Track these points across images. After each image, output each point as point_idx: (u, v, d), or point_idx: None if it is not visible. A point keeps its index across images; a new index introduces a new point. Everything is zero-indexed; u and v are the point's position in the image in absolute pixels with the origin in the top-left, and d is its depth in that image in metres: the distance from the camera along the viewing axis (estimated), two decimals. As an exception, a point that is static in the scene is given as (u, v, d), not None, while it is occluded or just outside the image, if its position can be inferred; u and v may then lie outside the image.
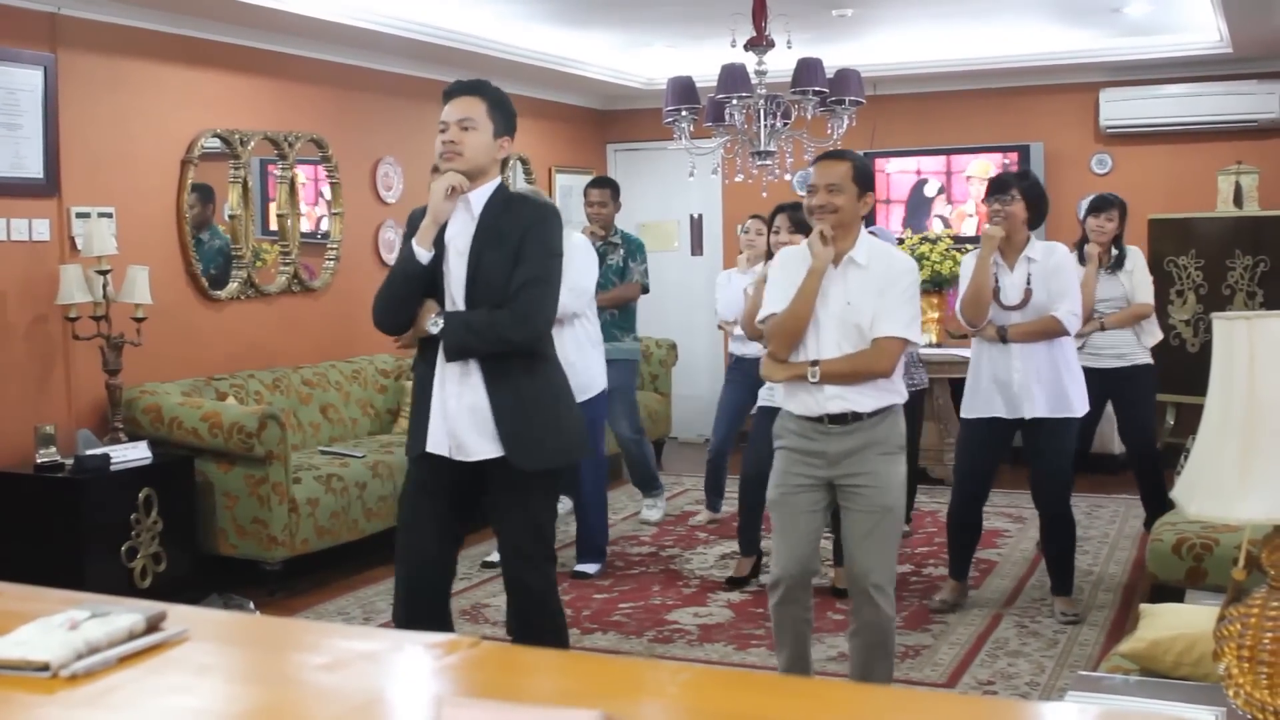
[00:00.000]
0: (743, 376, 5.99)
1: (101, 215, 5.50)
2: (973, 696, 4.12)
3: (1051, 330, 4.78)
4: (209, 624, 1.43)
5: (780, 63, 5.76)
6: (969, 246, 6.14)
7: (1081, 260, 5.74)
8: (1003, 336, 4.82)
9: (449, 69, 7.05)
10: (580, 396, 5.43)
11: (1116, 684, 2.52)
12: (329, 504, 5.63)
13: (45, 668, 1.21)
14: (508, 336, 3.43)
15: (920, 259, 8.19)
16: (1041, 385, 4.81)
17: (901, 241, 8.30)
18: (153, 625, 1.32)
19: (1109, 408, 5.89)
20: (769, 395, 5.10)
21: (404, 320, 3.54)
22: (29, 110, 5.22)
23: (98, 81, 5.55)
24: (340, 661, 1.29)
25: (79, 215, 5.43)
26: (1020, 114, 8.52)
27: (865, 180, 3.77)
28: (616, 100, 9.40)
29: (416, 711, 1.17)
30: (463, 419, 3.47)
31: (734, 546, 5.87)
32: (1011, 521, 6.60)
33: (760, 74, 5.60)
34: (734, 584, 5.55)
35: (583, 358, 5.50)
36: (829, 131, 5.72)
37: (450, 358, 3.46)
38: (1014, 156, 8.37)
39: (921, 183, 8.70)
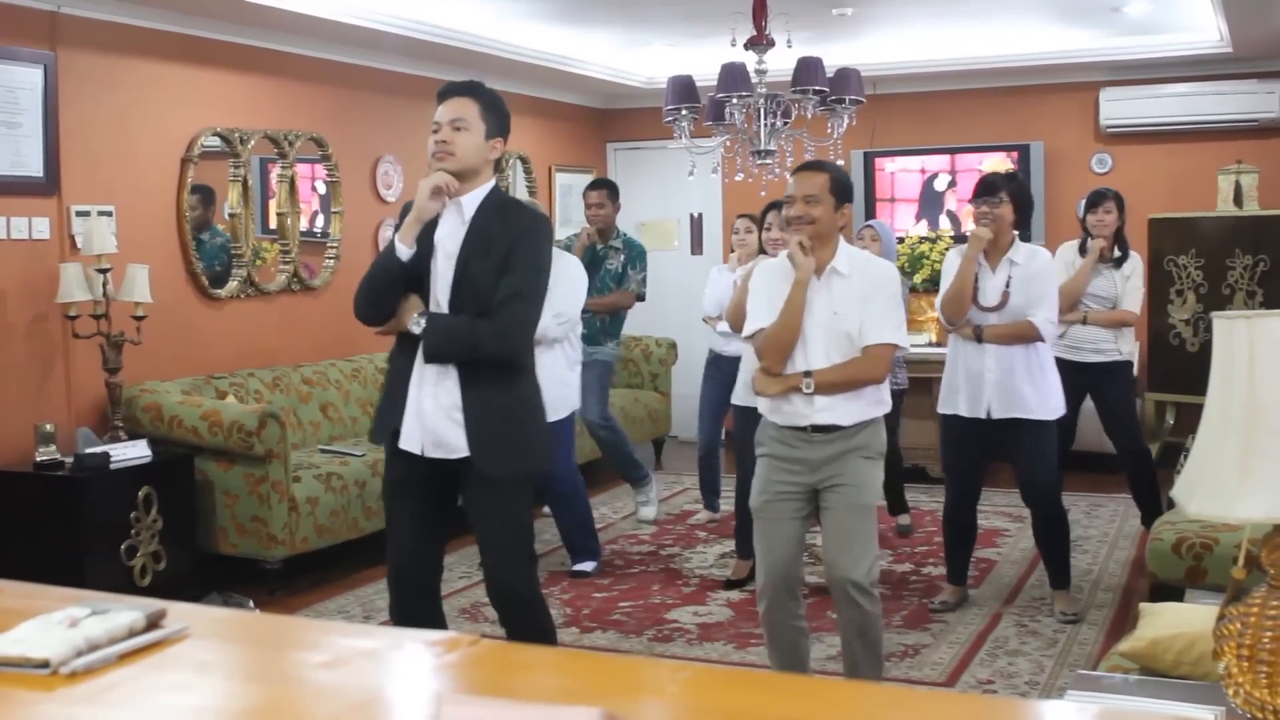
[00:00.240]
0: (720, 373, 6.00)
1: (101, 214, 5.50)
2: (972, 695, 4.12)
3: (1026, 335, 4.79)
4: (209, 622, 1.43)
5: (780, 62, 5.76)
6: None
7: (1083, 252, 5.78)
8: (978, 336, 4.84)
9: (449, 68, 7.05)
10: (553, 415, 5.42)
11: (1116, 683, 2.52)
12: (329, 503, 5.63)
13: (45, 665, 1.22)
14: (485, 349, 3.44)
15: (920, 258, 8.21)
16: (1014, 387, 4.81)
17: (902, 240, 8.31)
18: (152, 623, 1.32)
19: (1089, 404, 5.92)
20: (745, 395, 5.12)
21: (383, 313, 3.56)
22: (29, 109, 5.21)
23: (98, 80, 5.55)
24: (340, 659, 1.29)
25: (79, 214, 5.43)
26: (1020, 113, 8.52)
27: (843, 192, 3.80)
28: (616, 99, 9.40)
29: (416, 709, 1.17)
30: (439, 417, 3.48)
31: (733, 546, 5.87)
32: (1011, 521, 6.60)
33: (760, 73, 5.60)
34: (732, 586, 5.55)
35: (560, 378, 5.48)
36: (829, 131, 5.72)
37: (428, 360, 3.48)
38: (1014, 156, 8.37)
39: (931, 178, 8.71)
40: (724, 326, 5.74)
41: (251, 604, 5.28)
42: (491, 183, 3.58)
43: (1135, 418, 6.00)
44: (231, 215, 6.29)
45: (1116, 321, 5.76)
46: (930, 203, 8.70)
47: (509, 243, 3.46)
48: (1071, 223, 7.91)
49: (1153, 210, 7.71)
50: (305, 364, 6.56)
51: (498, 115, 3.56)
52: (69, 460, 5.07)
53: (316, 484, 5.60)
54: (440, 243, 3.51)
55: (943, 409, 5.03)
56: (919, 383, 7.16)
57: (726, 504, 6.60)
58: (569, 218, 8.77)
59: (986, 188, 4.92)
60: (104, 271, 5.25)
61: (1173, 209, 7.82)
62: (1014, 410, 4.82)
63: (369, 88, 7.17)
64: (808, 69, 5.50)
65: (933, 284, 7.97)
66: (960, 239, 8.18)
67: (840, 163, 5.79)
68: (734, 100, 5.52)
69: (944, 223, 8.63)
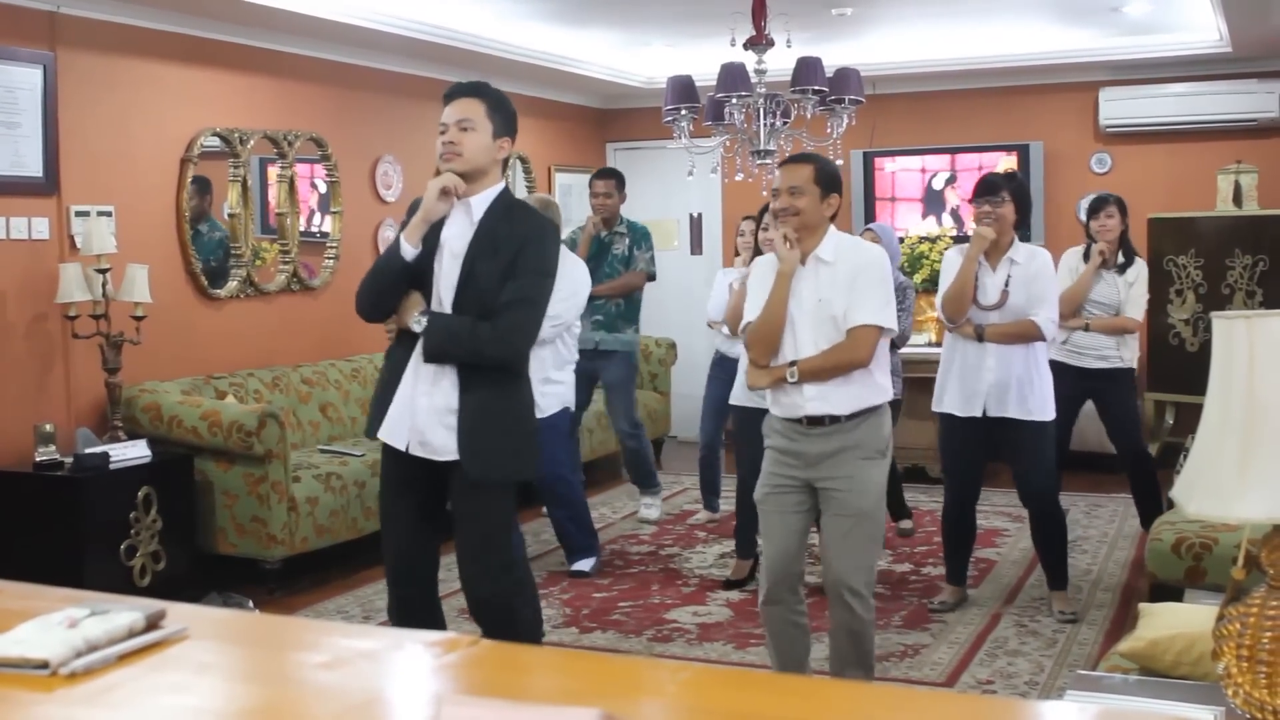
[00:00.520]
0: (724, 374, 6.00)
1: (101, 214, 5.49)
2: (972, 695, 4.12)
3: (1028, 334, 4.80)
4: (208, 622, 1.43)
5: (780, 62, 5.76)
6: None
7: (1088, 257, 5.77)
8: (979, 335, 4.84)
9: (448, 68, 7.05)
10: (554, 407, 5.44)
11: (1115, 683, 2.52)
12: (328, 503, 5.63)
13: (44, 665, 1.21)
14: (487, 352, 3.44)
15: (920, 258, 8.20)
16: (1012, 387, 4.82)
17: (902, 240, 8.31)
18: (152, 623, 1.32)
19: (1089, 409, 5.91)
20: (743, 395, 5.14)
21: (385, 310, 3.57)
22: (28, 109, 5.21)
23: (97, 80, 5.55)
24: (339, 660, 1.29)
25: (78, 214, 5.43)
26: (1020, 113, 8.52)
27: (829, 182, 3.78)
28: (616, 99, 9.40)
29: (416, 710, 1.17)
30: (430, 418, 3.49)
31: (733, 546, 5.87)
32: (1010, 521, 6.59)
33: (760, 73, 5.60)
34: (731, 586, 5.55)
35: (549, 379, 5.47)
36: (828, 130, 5.72)
37: (428, 359, 3.48)
38: (1014, 156, 8.37)
39: (931, 178, 8.72)
40: (727, 330, 5.75)
41: (251, 604, 5.28)
42: (501, 184, 3.58)
43: (1137, 422, 5.99)
44: (231, 215, 6.29)
45: (1118, 329, 5.74)
46: (933, 201, 8.71)
47: (516, 246, 3.46)
48: (1071, 222, 7.92)
49: (1152, 210, 7.71)
50: (305, 364, 6.56)
51: (504, 115, 3.56)
52: (68, 460, 5.07)
53: (316, 484, 5.60)
54: (447, 242, 3.51)
55: (937, 408, 5.03)
56: (919, 382, 7.15)
57: (727, 504, 6.60)
58: (569, 217, 8.74)
59: (988, 187, 4.92)
60: (103, 272, 5.25)
61: (1172, 209, 7.82)
62: (1011, 410, 4.83)
63: (368, 88, 7.17)
64: (807, 69, 5.50)
65: (933, 284, 7.97)
66: (961, 238, 8.19)
67: (839, 162, 5.80)
68: (733, 100, 5.52)
69: (947, 221, 8.64)
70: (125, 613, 1.30)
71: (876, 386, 3.77)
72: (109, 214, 5.57)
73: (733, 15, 5.65)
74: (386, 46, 6.91)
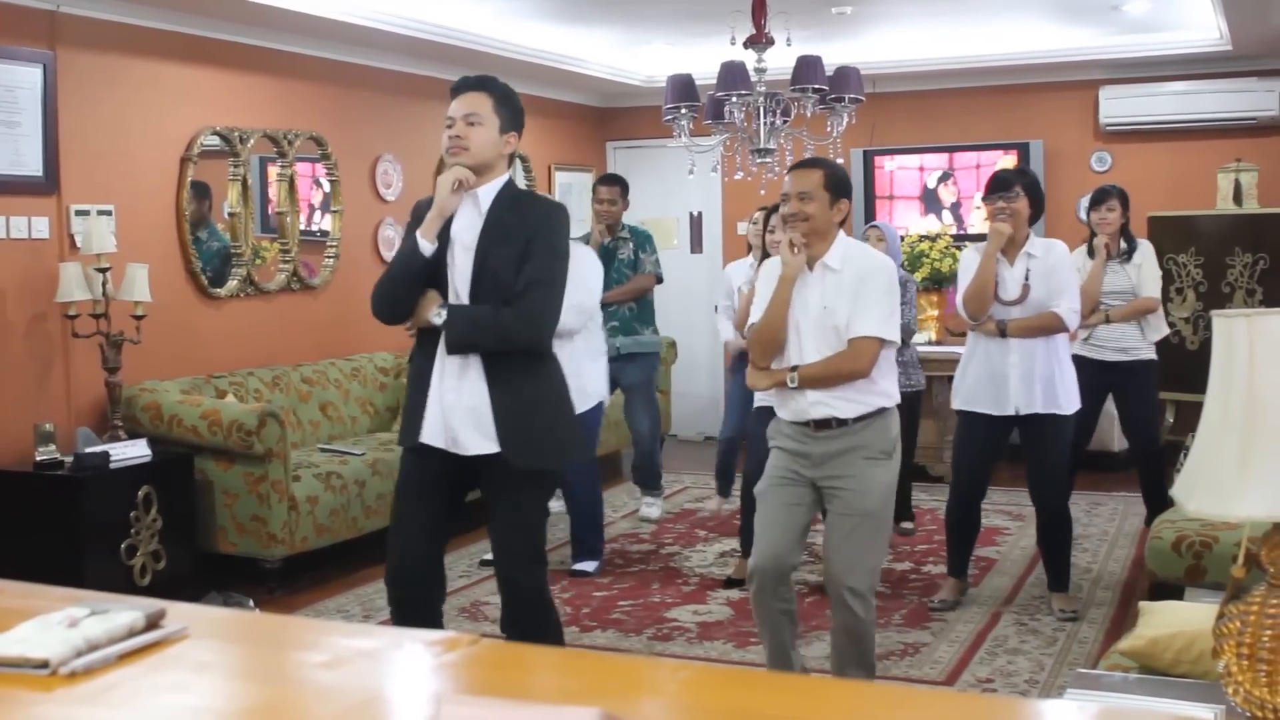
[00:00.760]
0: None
1: (101, 213, 5.49)
2: (972, 694, 4.13)
3: (1051, 326, 4.80)
4: (208, 622, 1.43)
5: (780, 60, 5.76)
6: (966, 244, 6.14)
7: (1091, 254, 5.75)
8: (1002, 330, 4.84)
9: (449, 67, 7.05)
10: (589, 403, 5.49)
11: (1116, 682, 2.52)
12: (328, 502, 5.63)
13: (44, 665, 1.21)
14: (512, 336, 3.43)
15: (920, 256, 8.20)
16: (1037, 381, 4.82)
17: (903, 238, 8.31)
18: (152, 623, 1.32)
19: (1109, 404, 5.90)
20: (759, 395, 5.13)
21: (403, 311, 3.55)
22: (28, 108, 5.21)
23: (97, 79, 5.55)
24: (340, 659, 1.29)
25: (78, 213, 5.43)
26: (1020, 112, 8.52)
27: (839, 187, 3.78)
28: (616, 98, 9.40)
29: (416, 709, 1.17)
30: (460, 414, 3.47)
31: (734, 544, 5.87)
32: (1011, 519, 6.60)
33: (760, 71, 5.60)
34: (732, 585, 5.54)
35: (583, 370, 5.51)
36: (828, 129, 5.72)
37: (451, 351, 3.46)
38: (1014, 154, 8.37)
39: (930, 176, 8.72)
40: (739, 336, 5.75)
41: (251, 603, 5.28)
42: (506, 176, 3.58)
43: (1154, 419, 5.96)
44: (231, 214, 6.29)
45: (1139, 311, 5.71)
46: (932, 199, 8.72)
47: (528, 231, 3.46)
48: (1071, 221, 7.92)
49: (1152, 208, 7.71)
50: (305, 363, 6.56)
51: (511, 110, 3.56)
52: (68, 460, 5.07)
53: (316, 483, 5.60)
54: (457, 235, 3.50)
55: (963, 406, 5.00)
56: (919, 381, 7.15)
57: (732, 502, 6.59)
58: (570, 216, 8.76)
59: (1001, 183, 4.92)
60: (103, 271, 5.25)
61: (1172, 207, 7.82)
62: (1039, 405, 4.82)
63: (368, 87, 7.16)
64: (807, 67, 5.50)
65: (933, 283, 7.97)
66: (961, 236, 8.20)
67: (839, 161, 5.80)
68: (733, 99, 5.52)
69: (946, 218, 8.64)
70: (125, 612, 1.30)
71: (881, 392, 3.77)
72: (109, 213, 5.56)
73: (733, 14, 5.65)
74: (386, 45, 6.91)
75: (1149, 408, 5.89)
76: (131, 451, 5.19)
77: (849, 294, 3.70)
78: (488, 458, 3.48)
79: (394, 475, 5.79)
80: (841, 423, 3.72)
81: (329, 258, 6.90)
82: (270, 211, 6.65)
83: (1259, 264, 7.40)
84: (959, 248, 7.36)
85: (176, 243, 5.97)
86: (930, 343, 7.75)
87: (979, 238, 6.02)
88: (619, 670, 1.38)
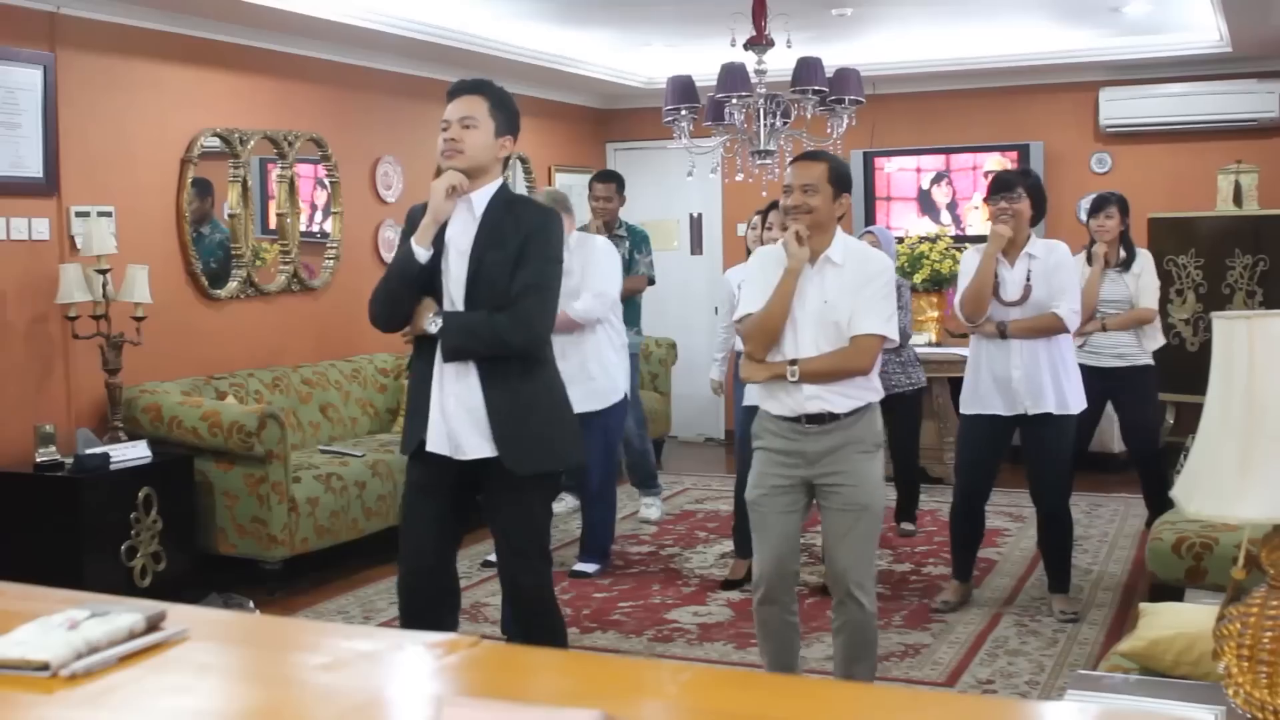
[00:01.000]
0: None
1: (101, 214, 5.49)
2: (972, 695, 4.13)
3: (1052, 327, 4.80)
4: (209, 623, 1.43)
5: (780, 62, 5.76)
6: (966, 245, 6.15)
7: (1090, 261, 5.74)
8: (1002, 332, 4.84)
9: (448, 68, 7.05)
10: (607, 401, 5.52)
11: (1116, 683, 2.52)
12: (329, 503, 5.63)
13: (45, 667, 1.21)
14: (507, 341, 3.44)
15: (920, 258, 8.21)
16: (1040, 382, 4.82)
17: (901, 241, 8.31)
18: (152, 625, 1.32)
19: (1109, 408, 5.89)
20: (750, 394, 5.13)
21: (400, 318, 3.55)
22: (28, 109, 5.21)
23: (97, 81, 5.55)
24: (340, 661, 1.29)
25: (78, 214, 5.43)
26: (1020, 113, 8.52)
27: (841, 181, 3.78)
28: (616, 99, 9.40)
29: (416, 711, 1.17)
30: (461, 418, 3.48)
31: (733, 546, 5.86)
32: (1012, 520, 6.60)
33: (760, 73, 5.60)
34: (730, 586, 5.54)
35: (608, 362, 5.55)
36: (829, 131, 5.72)
37: (448, 358, 3.46)
38: (1013, 156, 8.37)
39: (928, 177, 8.73)
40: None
41: (251, 605, 5.28)
42: (500, 180, 3.58)
43: (1156, 424, 5.97)
44: (231, 216, 6.29)
45: (1136, 321, 5.72)
46: (926, 200, 8.72)
47: (522, 236, 3.46)
48: (1071, 223, 7.92)
49: (1152, 210, 7.71)
50: (305, 364, 6.56)
51: (507, 113, 3.56)
52: (69, 461, 5.07)
53: (316, 484, 5.60)
54: (452, 241, 3.50)
55: (970, 409, 5.00)
56: (919, 382, 7.15)
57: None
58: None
59: (1003, 184, 4.91)
60: (104, 272, 5.25)
61: (1172, 209, 7.82)
62: (1047, 404, 4.83)
63: (368, 88, 7.17)
64: (807, 69, 5.50)
65: (933, 284, 7.97)
66: (961, 238, 8.20)
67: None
68: (734, 100, 5.52)
69: (945, 218, 8.64)
70: (126, 614, 1.30)
71: (871, 387, 3.80)
72: (109, 214, 5.57)
73: (733, 15, 5.65)
74: (386, 47, 6.91)
75: (1148, 413, 5.89)
76: (132, 453, 5.19)
77: (850, 290, 3.70)
78: (488, 460, 3.49)
79: (394, 477, 5.85)
80: (834, 417, 3.73)
81: (329, 259, 6.90)
82: (271, 212, 6.65)
83: (1259, 265, 7.40)
84: (959, 249, 7.36)
85: (177, 244, 5.97)
86: (930, 344, 7.75)
87: (979, 239, 6.02)
88: (620, 672, 1.38)
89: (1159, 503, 5.87)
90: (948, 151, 8.65)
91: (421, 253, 3.46)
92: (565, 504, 6.64)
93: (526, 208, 3.60)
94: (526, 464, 3.50)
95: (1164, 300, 7.55)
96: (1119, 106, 8.12)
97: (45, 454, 5.05)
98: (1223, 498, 2.01)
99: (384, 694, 1.25)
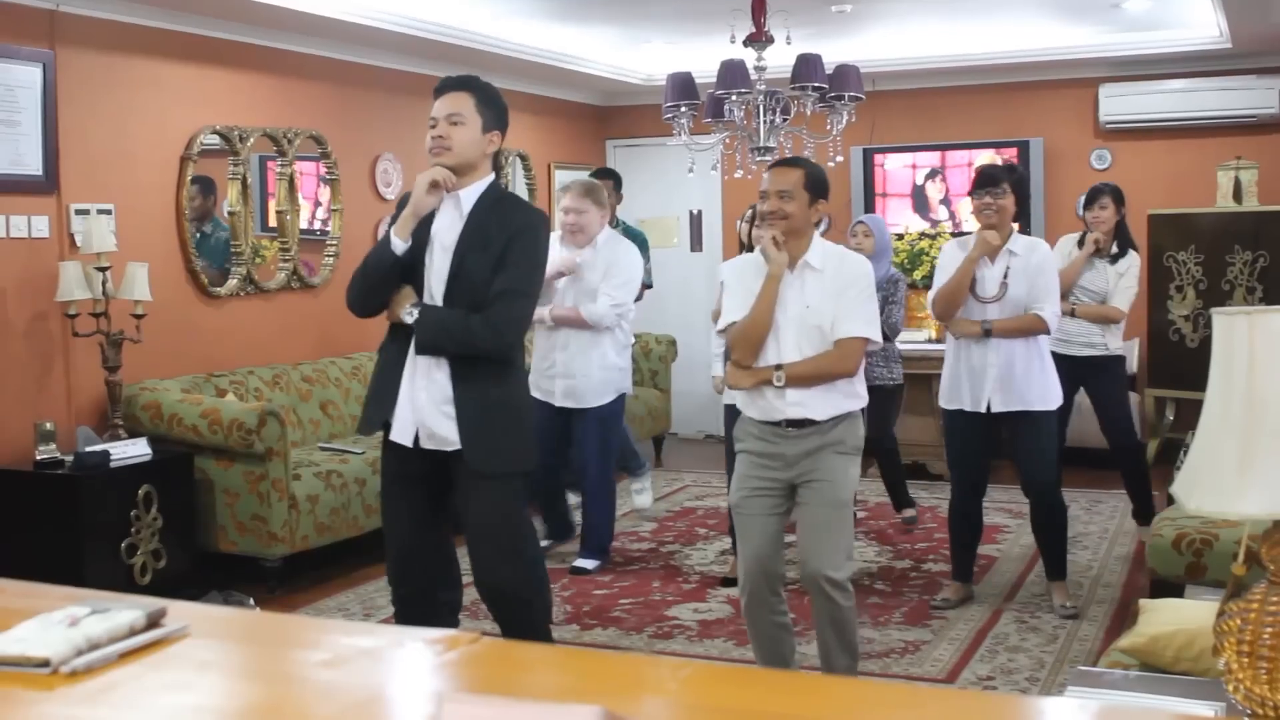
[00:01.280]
0: None
1: (101, 212, 5.49)
2: (972, 691, 4.12)
3: (1034, 328, 4.84)
4: (209, 620, 1.43)
5: (780, 58, 5.76)
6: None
7: (1083, 244, 5.80)
8: (987, 331, 4.85)
9: (448, 65, 7.03)
10: (603, 398, 5.56)
11: (1116, 679, 2.52)
12: (329, 500, 5.63)
13: (45, 664, 1.21)
14: (479, 344, 3.46)
15: (920, 254, 8.21)
16: (1016, 379, 4.84)
17: (901, 237, 8.32)
18: (153, 622, 1.32)
19: (1082, 398, 5.94)
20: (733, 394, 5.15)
21: (376, 305, 3.59)
22: (28, 107, 5.21)
23: (97, 78, 5.54)
24: (340, 658, 1.29)
25: (78, 212, 5.43)
26: (1020, 109, 8.51)
27: (818, 188, 3.82)
28: (616, 96, 9.40)
29: (417, 708, 1.17)
30: (432, 410, 3.50)
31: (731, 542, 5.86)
32: (1010, 517, 6.60)
33: (759, 70, 5.60)
34: (729, 583, 5.54)
35: (610, 361, 5.62)
36: (828, 127, 5.72)
37: (420, 351, 3.50)
38: (1013, 152, 8.37)
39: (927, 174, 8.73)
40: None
41: (252, 602, 5.28)
42: (490, 177, 3.59)
43: (1127, 413, 6.00)
44: (231, 213, 6.29)
45: (1102, 318, 5.77)
46: (919, 196, 8.72)
47: (506, 238, 3.47)
48: (1071, 218, 7.91)
49: (1152, 206, 7.71)
50: (305, 362, 6.56)
51: (494, 109, 3.57)
52: (69, 459, 5.07)
53: (317, 482, 5.60)
54: (437, 235, 3.52)
55: (946, 404, 5.04)
56: (918, 379, 7.16)
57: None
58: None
59: (988, 179, 4.92)
60: (103, 270, 5.25)
61: (1172, 205, 7.82)
62: (1016, 404, 4.85)
63: (368, 85, 7.16)
64: (807, 65, 5.49)
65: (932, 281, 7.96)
66: (959, 234, 8.19)
67: (839, 159, 5.80)
68: (733, 97, 5.51)
69: (942, 213, 8.64)
70: (126, 611, 1.30)
71: (854, 394, 3.84)
72: (109, 212, 5.56)
73: (732, 12, 5.64)
74: (386, 44, 6.91)
75: (1120, 403, 5.94)
76: (132, 450, 5.19)
77: (832, 295, 3.74)
78: (456, 454, 3.50)
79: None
80: (814, 423, 3.76)
81: (329, 256, 6.90)
82: (270, 210, 6.65)
83: (1259, 262, 7.39)
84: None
85: (176, 242, 5.97)
86: (929, 340, 7.75)
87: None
88: (620, 668, 1.38)
89: (1143, 497, 5.92)
90: (947, 148, 8.65)
91: (399, 244, 3.48)
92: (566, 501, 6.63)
93: (515, 207, 3.61)
94: (488, 463, 3.53)
95: (1164, 296, 7.56)
96: (1119, 103, 8.13)
97: (45, 452, 5.05)
98: (1223, 494, 2.01)
99: (384, 691, 1.25)
